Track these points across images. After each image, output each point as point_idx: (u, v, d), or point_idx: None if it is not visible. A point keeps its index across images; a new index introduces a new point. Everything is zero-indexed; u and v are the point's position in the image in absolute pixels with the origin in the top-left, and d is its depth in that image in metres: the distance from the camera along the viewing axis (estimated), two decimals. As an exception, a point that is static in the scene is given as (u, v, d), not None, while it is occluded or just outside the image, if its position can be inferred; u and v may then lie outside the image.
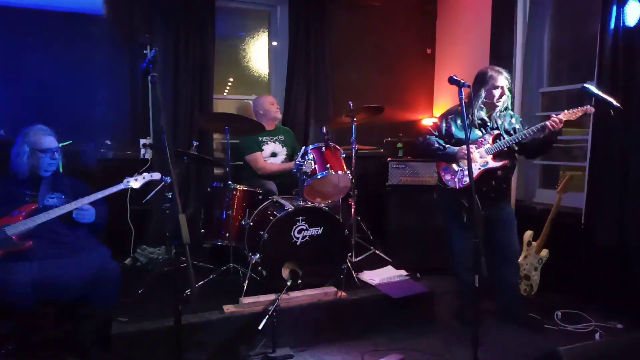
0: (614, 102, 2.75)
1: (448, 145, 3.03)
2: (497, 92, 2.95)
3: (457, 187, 3.01)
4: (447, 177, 3.09)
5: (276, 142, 4.00)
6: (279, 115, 4.08)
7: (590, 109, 2.83)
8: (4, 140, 2.79)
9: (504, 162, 2.97)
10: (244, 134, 3.78)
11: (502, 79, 2.94)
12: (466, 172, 3.00)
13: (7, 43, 3.69)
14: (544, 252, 3.49)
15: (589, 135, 3.40)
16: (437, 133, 3.12)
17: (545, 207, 3.72)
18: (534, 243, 3.52)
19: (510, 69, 3.98)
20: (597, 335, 3.01)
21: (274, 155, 3.96)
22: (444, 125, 3.10)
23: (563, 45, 4.09)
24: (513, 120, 3.08)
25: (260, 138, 3.89)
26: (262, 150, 3.90)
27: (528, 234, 3.55)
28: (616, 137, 3.18)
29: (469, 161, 2.41)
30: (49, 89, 3.82)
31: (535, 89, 4.18)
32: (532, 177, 4.22)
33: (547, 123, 2.83)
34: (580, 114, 2.83)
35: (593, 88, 2.79)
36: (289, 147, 4.04)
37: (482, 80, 2.97)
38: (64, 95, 3.87)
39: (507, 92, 2.97)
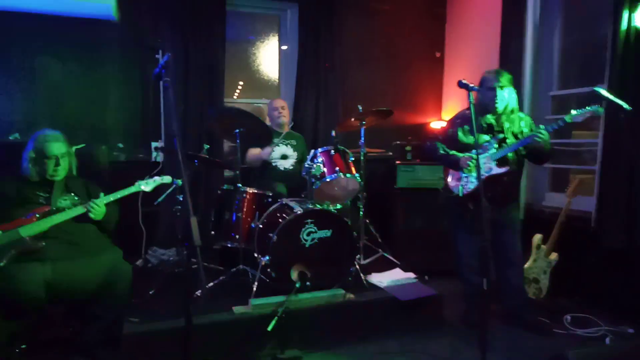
0: (625, 105, 2.73)
1: (453, 152, 3.03)
2: (490, 94, 2.93)
3: (461, 195, 3.01)
4: (453, 183, 3.09)
5: (288, 146, 4.03)
6: (283, 120, 4.03)
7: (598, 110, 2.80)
8: (20, 143, 2.83)
9: (506, 168, 2.95)
10: (253, 142, 3.77)
11: (494, 81, 2.90)
12: (470, 179, 3.00)
13: (22, 48, 3.77)
14: (554, 256, 3.48)
15: (600, 139, 3.38)
16: (442, 137, 3.12)
17: (555, 211, 3.70)
18: (544, 246, 3.51)
19: (519, 72, 3.98)
20: (607, 340, 2.98)
21: (284, 157, 3.99)
22: (451, 129, 3.11)
23: (573, 48, 4.07)
24: (522, 124, 3.04)
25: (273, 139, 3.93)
26: (272, 151, 3.93)
27: (537, 238, 3.54)
28: (627, 141, 3.16)
29: (478, 167, 2.40)
30: (62, 93, 3.90)
31: (545, 92, 4.16)
32: (542, 180, 4.21)
33: (533, 135, 2.82)
34: (588, 115, 2.79)
35: (604, 91, 2.77)
36: (299, 152, 4.07)
37: (480, 84, 2.97)
38: (77, 99, 3.95)
39: (499, 94, 2.92)
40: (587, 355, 2.42)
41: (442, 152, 3.06)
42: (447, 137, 3.11)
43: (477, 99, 2.95)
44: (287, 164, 3.99)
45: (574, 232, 3.50)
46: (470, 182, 3.00)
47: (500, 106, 2.96)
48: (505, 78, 2.94)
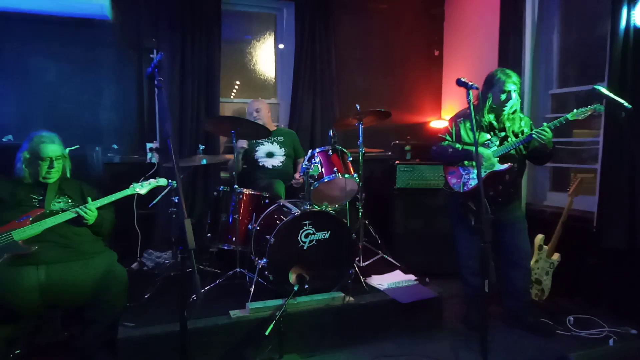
0: (625, 104, 2.70)
1: (464, 147, 2.98)
2: (504, 96, 2.89)
3: (462, 191, 2.98)
4: (453, 180, 3.06)
5: (274, 143, 3.99)
6: (259, 122, 3.87)
7: (598, 107, 2.77)
8: (13, 145, 2.79)
9: (508, 165, 2.92)
10: (251, 138, 3.77)
11: (510, 83, 2.87)
12: (472, 176, 2.97)
13: (16, 48, 3.72)
14: (556, 256, 3.44)
15: (600, 138, 3.35)
16: (448, 137, 3.07)
17: (556, 211, 3.67)
18: (545, 247, 3.47)
19: (519, 71, 3.93)
20: (610, 341, 2.95)
21: (270, 155, 3.95)
22: (454, 128, 3.06)
23: (572, 46, 4.04)
24: (522, 124, 3.02)
25: (254, 140, 3.90)
26: (256, 151, 3.92)
27: (539, 238, 3.51)
28: (628, 140, 3.13)
29: (478, 164, 2.38)
30: (56, 94, 3.86)
31: (544, 90, 4.13)
32: (543, 180, 4.17)
33: (533, 133, 2.80)
34: (588, 113, 2.77)
35: (604, 89, 2.74)
36: (288, 148, 4.02)
37: (490, 83, 2.93)
38: (71, 100, 3.90)
39: (514, 96, 2.90)
40: (590, 357, 2.39)
41: (451, 150, 3.00)
42: (450, 137, 3.06)
43: (477, 97, 2.92)
44: (276, 162, 3.95)
45: (576, 232, 3.47)
46: (471, 179, 2.97)
47: (510, 109, 2.93)
48: (518, 80, 2.91)
